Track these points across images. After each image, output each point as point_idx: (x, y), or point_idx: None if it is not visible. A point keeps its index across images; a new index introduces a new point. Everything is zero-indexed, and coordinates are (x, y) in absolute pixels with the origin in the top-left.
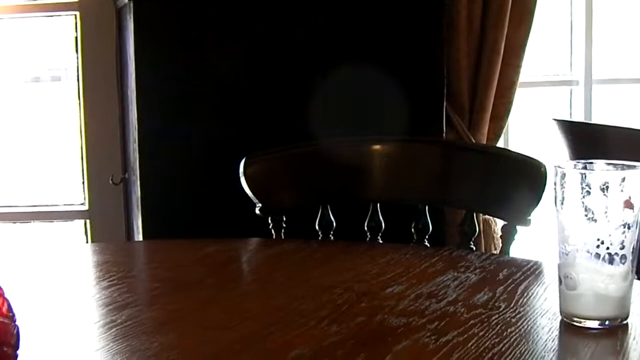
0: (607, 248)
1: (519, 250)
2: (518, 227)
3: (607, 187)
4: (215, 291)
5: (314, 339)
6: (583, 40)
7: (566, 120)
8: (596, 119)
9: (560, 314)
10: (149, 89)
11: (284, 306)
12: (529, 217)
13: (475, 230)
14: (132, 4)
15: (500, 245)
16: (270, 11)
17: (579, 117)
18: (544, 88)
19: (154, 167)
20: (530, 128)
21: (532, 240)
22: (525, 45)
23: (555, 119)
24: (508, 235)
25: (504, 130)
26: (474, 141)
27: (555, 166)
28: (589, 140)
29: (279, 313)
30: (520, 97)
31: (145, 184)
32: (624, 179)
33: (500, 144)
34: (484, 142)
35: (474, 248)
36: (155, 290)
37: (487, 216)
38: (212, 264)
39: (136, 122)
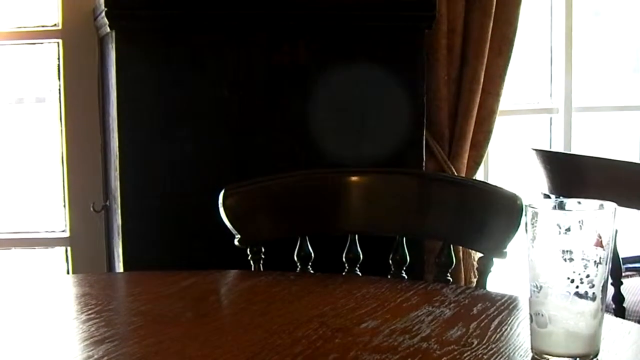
0: (577, 286)
1: (499, 281)
2: (495, 260)
3: (578, 226)
4: (192, 325)
5: None
6: (563, 68)
7: (545, 150)
8: (576, 147)
9: (532, 351)
10: (131, 116)
11: (260, 341)
12: (505, 250)
13: (452, 262)
14: (114, 33)
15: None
16: (251, 38)
17: (559, 144)
18: (524, 116)
19: (134, 195)
20: (511, 156)
21: (512, 272)
22: (505, 74)
23: (534, 149)
24: (484, 267)
25: (484, 159)
26: (453, 170)
27: (527, 205)
28: (567, 171)
29: (254, 348)
30: (501, 125)
31: (125, 211)
32: (594, 218)
33: (480, 172)
34: (464, 171)
35: (451, 279)
36: (133, 324)
37: None
38: (190, 296)
39: (117, 149)
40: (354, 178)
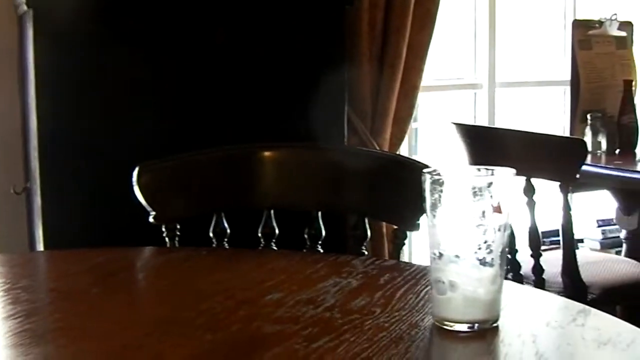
0: (476, 252)
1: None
2: (408, 232)
3: (476, 192)
4: (98, 301)
5: (187, 348)
6: (487, 45)
7: (463, 124)
8: (500, 121)
9: (433, 318)
10: (49, 96)
11: (164, 315)
12: (417, 222)
13: (367, 235)
14: (31, 11)
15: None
16: (171, 18)
17: (483, 119)
18: (450, 91)
19: (54, 176)
20: (438, 131)
21: None
22: (427, 49)
23: (453, 123)
24: (397, 239)
25: (414, 134)
26: (376, 145)
27: (423, 172)
28: (486, 144)
29: (157, 322)
30: (429, 101)
31: (45, 192)
32: (491, 184)
33: (404, 147)
34: (387, 146)
35: (366, 252)
36: (40, 301)
37: None
38: (100, 273)
39: (36, 130)
40: (267, 153)
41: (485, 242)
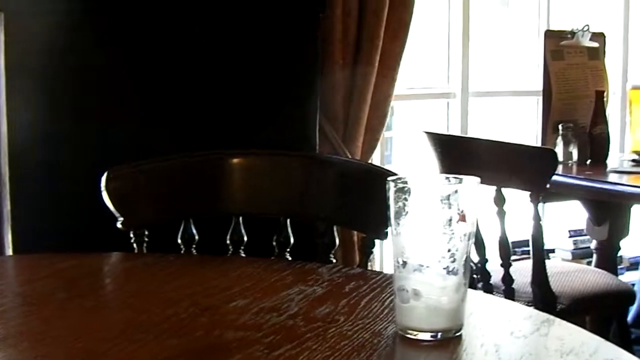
0: (440, 261)
1: None
2: (376, 240)
3: (441, 200)
4: (63, 306)
5: (150, 354)
6: (460, 54)
7: (436, 133)
8: (472, 131)
9: (396, 327)
10: (20, 100)
11: (128, 320)
12: (385, 230)
13: (335, 243)
14: (2, 15)
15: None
16: (147, 19)
17: (456, 128)
18: (423, 100)
19: (24, 181)
20: (413, 140)
21: None
22: (400, 58)
23: (425, 132)
24: (366, 247)
25: (388, 143)
26: (348, 153)
27: (387, 180)
28: (458, 153)
29: (121, 326)
30: (403, 110)
31: (15, 197)
32: (456, 192)
33: (376, 156)
34: (359, 154)
35: (334, 260)
36: (4, 305)
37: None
38: (66, 278)
39: (6, 135)
40: (236, 160)
41: (449, 250)
